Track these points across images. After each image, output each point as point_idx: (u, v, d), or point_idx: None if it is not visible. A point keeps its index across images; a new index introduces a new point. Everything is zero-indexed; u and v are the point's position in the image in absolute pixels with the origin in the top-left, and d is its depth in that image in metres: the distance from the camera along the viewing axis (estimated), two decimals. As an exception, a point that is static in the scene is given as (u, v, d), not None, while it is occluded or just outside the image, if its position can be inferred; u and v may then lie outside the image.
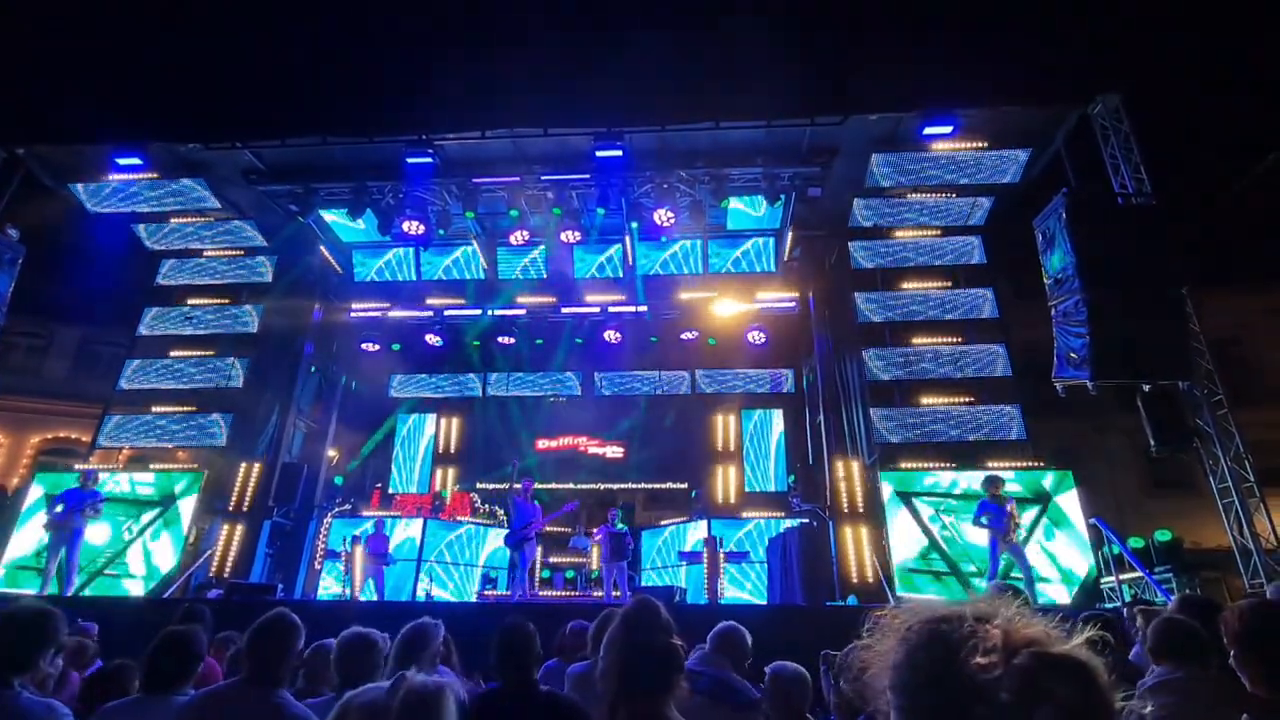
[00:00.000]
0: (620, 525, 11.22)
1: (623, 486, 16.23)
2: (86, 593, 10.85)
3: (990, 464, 11.30)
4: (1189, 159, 14.10)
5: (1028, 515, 10.49)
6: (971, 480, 10.87)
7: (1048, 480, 10.96)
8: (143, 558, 11.63)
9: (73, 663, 4.48)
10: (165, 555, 11.62)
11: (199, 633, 3.17)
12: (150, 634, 3.01)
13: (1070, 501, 10.70)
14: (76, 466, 12.49)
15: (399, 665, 3.28)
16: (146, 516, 11.87)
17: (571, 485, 16.32)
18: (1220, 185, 15.28)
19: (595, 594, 12.49)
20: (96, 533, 11.08)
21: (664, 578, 13.35)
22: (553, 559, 13.99)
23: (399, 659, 3.29)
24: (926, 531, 10.85)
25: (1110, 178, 10.95)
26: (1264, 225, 16.04)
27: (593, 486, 16.31)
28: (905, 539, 10.89)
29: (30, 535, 11.42)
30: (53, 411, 18.36)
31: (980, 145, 11.76)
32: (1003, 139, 11.69)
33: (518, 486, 10.71)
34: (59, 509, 9.80)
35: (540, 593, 12.57)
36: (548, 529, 15.36)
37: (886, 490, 11.19)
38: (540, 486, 16.19)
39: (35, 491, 11.99)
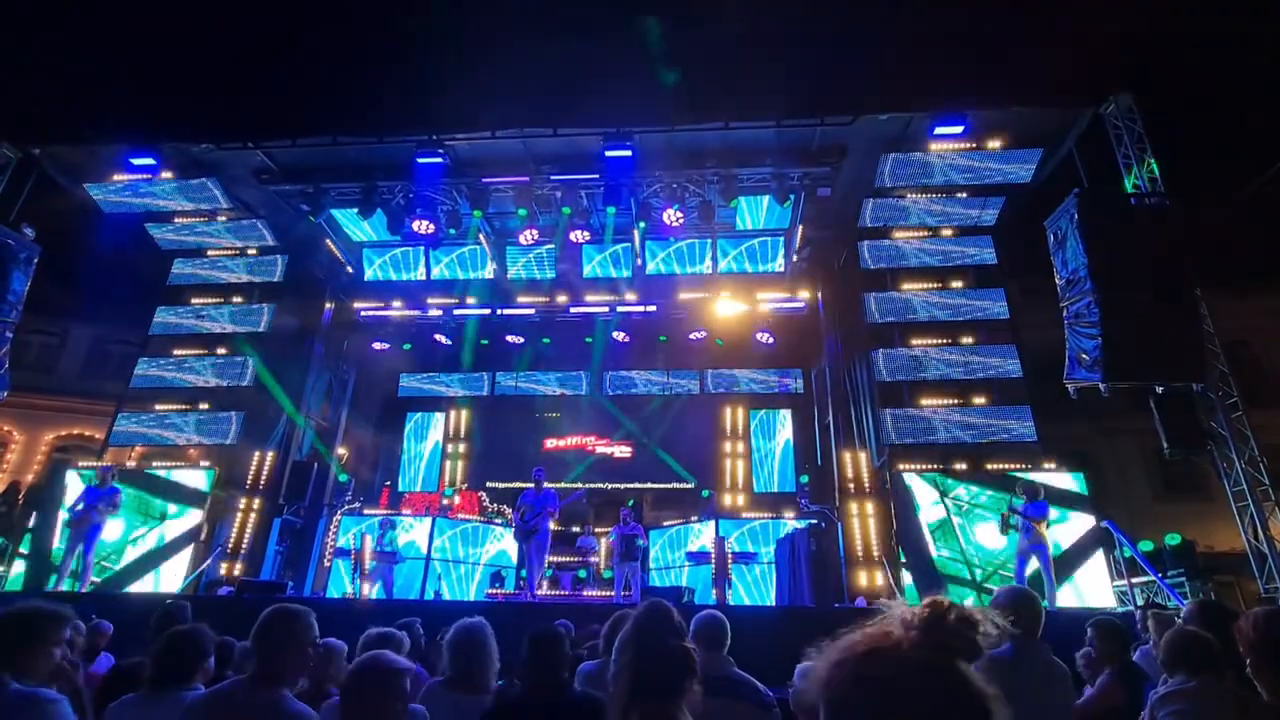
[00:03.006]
0: (632, 525, 11.15)
1: (631, 486, 16.23)
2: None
3: (1000, 466, 11.24)
4: (1202, 159, 13.94)
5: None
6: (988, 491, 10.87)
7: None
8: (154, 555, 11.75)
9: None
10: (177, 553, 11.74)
11: (204, 630, 3.19)
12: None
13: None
14: (80, 464, 12.61)
15: (455, 668, 3.28)
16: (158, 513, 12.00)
17: (580, 484, 16.36)
18: (1234, 185, 15.11)
19: (588, 593, 12.49)
20: (111, 529, 11.17)
21: (666, 578, 13.34)
22: (559, 558, 14.00)
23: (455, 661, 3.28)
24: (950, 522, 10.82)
25: (1123, 178, 10.86)
26: (1278, 225, 15.85)
27: (600, 486, 16.33)
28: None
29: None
30: (67, 409, 18.54)
31: (991, 145, 11.69)
32: (1014, 139, 11.61)
33: (530, 485, 10.58)
34: (78, 506, 9.93)
35: (543, 592, 12.57)
36: (559, 528, 15.45)
37: (922, 492, 11.15)
38: (549, 486, 16.26)
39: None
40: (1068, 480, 11.02)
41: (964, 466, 11.44)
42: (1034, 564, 9.25)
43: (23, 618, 2.54)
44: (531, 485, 10.43)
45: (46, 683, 2.51)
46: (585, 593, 12.77)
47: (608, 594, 11.82)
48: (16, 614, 2.54)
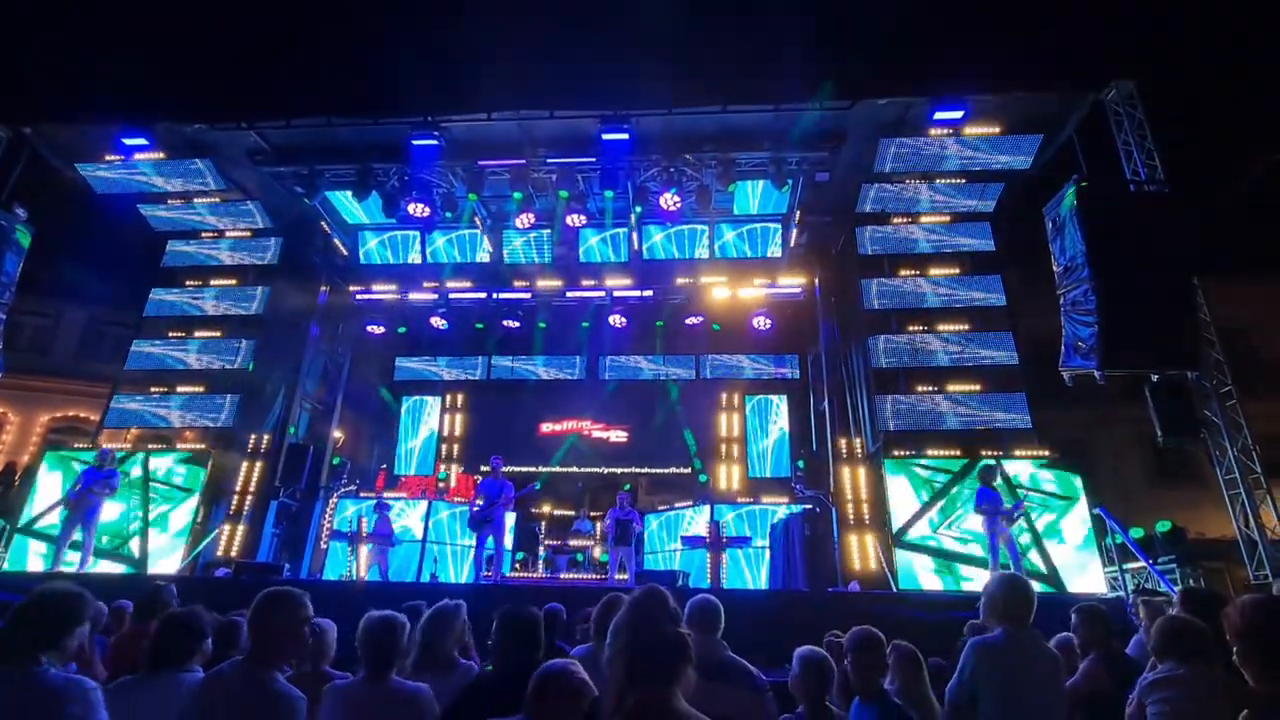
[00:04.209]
0: (628, 510, 11.24)
1: (626, 471, 16.29)
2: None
3: (995, 453, 11.28)
4: (1203, 146, 13.91)
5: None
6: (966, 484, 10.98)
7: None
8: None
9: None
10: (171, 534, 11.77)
11: (200, 613, 3.20)
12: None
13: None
14: (82, 444, 12.61)
15: (423, 649, 3.31)
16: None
17: (575, 469, 16.42)
18: (1234, 174, 15.10)
19: (583, 576, 12.59)
20: (109, 511, 11.16)
21: (661, 562, 13.42)
22: (555, 541, 14.09)
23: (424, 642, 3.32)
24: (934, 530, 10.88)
25: (1123, 165, 10.82)
26: (1277, 214, 15.85)
27: (596, 470, 16.39)
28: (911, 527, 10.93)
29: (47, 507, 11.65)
30: (61, 391, 18.49)
31: (991, 130, 11.61)
32: (1014, 124, 11.53)
33: (486, 469, 10.64)
34: (76, 486, 9.93)
35: (540, 575, 12.67)
36: (555, 512, 15.54)
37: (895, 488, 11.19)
38: (544, 470, 16.34)
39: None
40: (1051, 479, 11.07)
41: (958, 453, 11.49)
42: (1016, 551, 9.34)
43: (59, 598, 2.50)
44: (488, 473, 10.49)
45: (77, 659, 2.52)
46: (581, 576, 12.86)
47: (603, 577, 11.90)
48: (52, 594, 2.50)
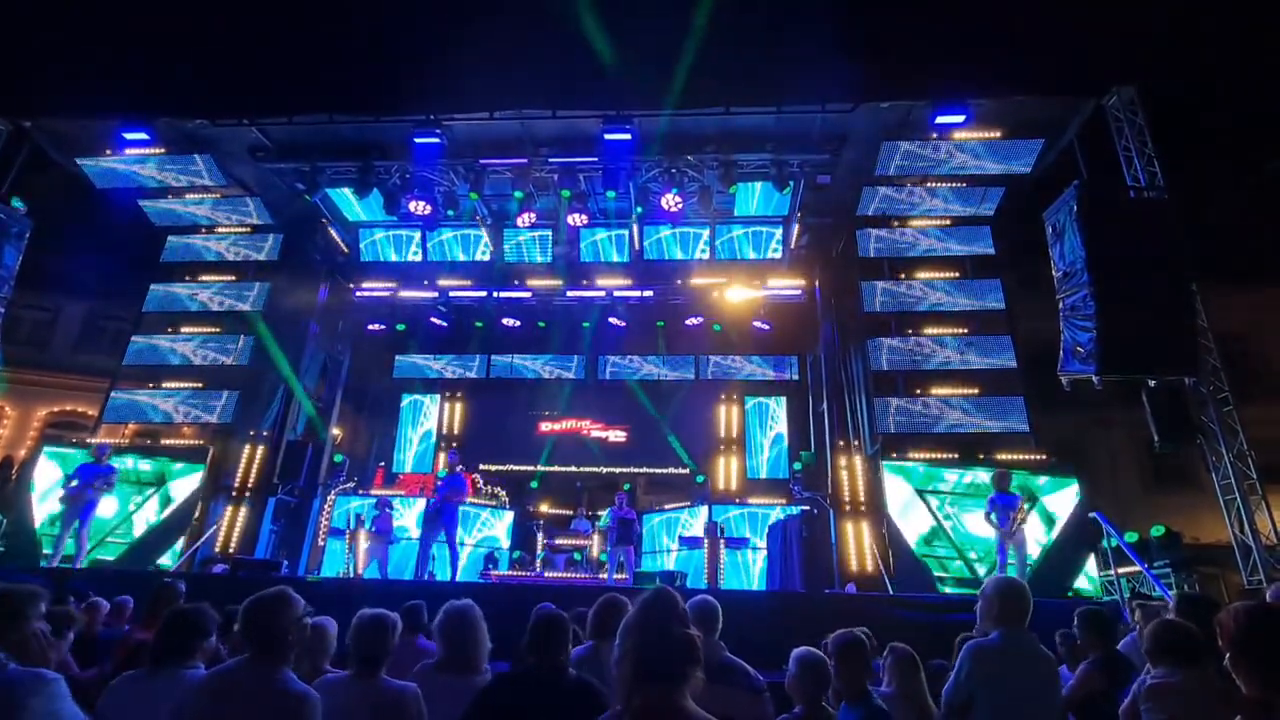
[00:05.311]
0: (627, 510, 11.28)
1: (625, 470, 16.31)
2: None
3: (992, 456, 11.30)
4: (1203, 153, 13.95)
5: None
6: (977, 475, 10.93)
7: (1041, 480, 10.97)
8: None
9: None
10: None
11: (206, 609, 3.22)
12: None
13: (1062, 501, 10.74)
14: (90, 441, 12.61)
15: (451, 650, 3.28)
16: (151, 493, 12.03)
17: (574, 468, 16.45)
18: (1234, 180, 15.14)
19: (582, 575, 12.62)
20: (106, 506, 11.15)
21: (657, 562, 13.45)
22: (554, 540, 14.11)
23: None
24: (937, 522, 10.88)
25: (1123, 170, 10.85)
26: (1276, 221, 15.90)
27: (595, 469, 16.41)
28: (909, 526, 10.93)
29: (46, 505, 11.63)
30: (59, 385, 18.48)
31: (993, 135, 11.64)
32: (1016, 129, 11.55)
33: (489, 466, 10.65)
34: (73, 483, 9.88)
35: (544, 574, 12.69)
36: (553, 511, 15.55)
37: (903, 488, 11.17)
38: (543, 469, 16.38)
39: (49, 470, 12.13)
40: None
41: (955, 456, 11.51)
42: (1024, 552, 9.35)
43: (4, 596, 2.54)
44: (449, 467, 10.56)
45: (36, 663, 2.51)
46: (579, 575, 12.87)
47: (601, 577, 11.94)
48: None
